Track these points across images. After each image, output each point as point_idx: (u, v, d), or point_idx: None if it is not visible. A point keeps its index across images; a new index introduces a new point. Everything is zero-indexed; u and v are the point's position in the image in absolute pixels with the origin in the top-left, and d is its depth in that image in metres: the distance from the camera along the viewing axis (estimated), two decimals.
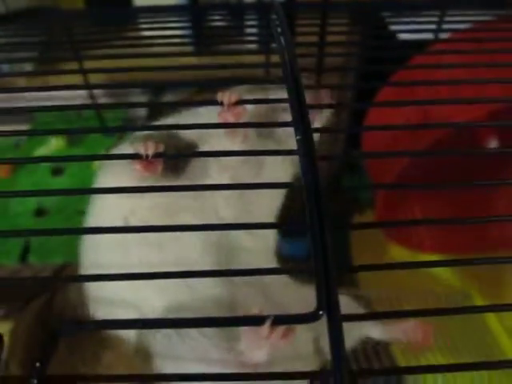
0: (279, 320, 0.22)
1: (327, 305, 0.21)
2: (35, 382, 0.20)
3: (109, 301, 0.40)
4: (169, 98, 0.85)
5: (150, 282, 0.27)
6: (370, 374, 0.21)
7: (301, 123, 0.27)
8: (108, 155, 0.37)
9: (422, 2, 0.65)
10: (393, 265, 0.23)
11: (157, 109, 0.85)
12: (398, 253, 0.73)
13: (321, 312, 0.21)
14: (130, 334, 0.41)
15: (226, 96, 0.34)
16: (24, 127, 0.75)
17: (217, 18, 0.61)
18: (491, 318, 0.71)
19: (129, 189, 0.28)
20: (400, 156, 0.57)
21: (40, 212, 0.67)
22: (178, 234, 0.36)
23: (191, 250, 0.39)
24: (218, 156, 0.39)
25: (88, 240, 0.42)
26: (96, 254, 0.41)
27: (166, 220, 0.39)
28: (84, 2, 0.86)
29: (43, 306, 0.58)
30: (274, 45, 0.40)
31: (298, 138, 0.27)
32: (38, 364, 0.20)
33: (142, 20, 0.69)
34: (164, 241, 0.38)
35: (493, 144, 0.74)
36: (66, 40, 0.62)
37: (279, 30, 0.40)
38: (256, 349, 0.30)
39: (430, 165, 0.74)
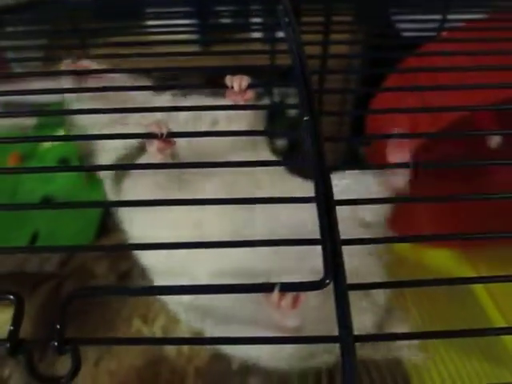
0: (286, 287, 0.23)
1: (333, 274, 0.22)
2: (55, 343, 0.21)
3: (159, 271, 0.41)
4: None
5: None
6: (373, 339, 0.21)
7: (308, 107, 0.28)
8: (125, 134, 0.36)
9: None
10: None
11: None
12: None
13: (327, 281, 0.22)
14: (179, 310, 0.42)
15: (237, 80, 0.35)
16: (30, 120, 0.76)
17: (223, 8, 0.61)
18: (493, 312, 0.72)
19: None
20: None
21: (47, 201, 0.68)
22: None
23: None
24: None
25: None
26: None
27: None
28: None
29: (52, 290, 0.60)
30: (280, 34, 0.41)
31: (305, 118, 0.28)
32: (57, 326, 0.21)
33: (148, 10, 0.70)
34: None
35: (496, 140, 0.74)
36: (72, 30, 0.63)
37: (286, 19, 0.41)
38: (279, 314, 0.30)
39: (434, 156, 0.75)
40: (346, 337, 0.21)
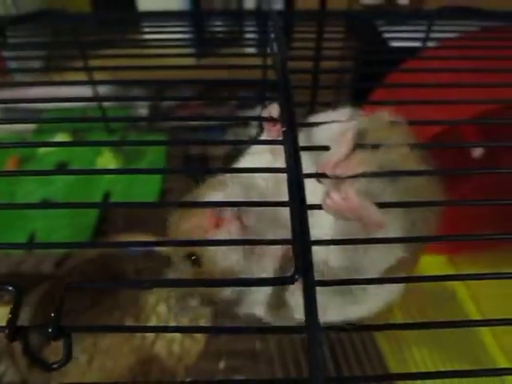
0: (258, 282, 0.25)
1: (303, 270, 0.25)
2: (50, 329, 0.23)
3: None
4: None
5: None
6: (340, 329, 0.24)
7: (287, 119, 0.30)
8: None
9: (412, 13, 0.69)
10: None
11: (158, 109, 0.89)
12: None
13: (297, 276, 0.24)
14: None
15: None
16: (30, 125, 0.78)
17: (217, 23, 0.64)
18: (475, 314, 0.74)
19: None
20: None
21: (46, 203, 0.70)
22: None
23: None
24: None
25: None
26: None
27: None
28: (91, 5, 0.90)
29: (47, 290, 0.62)
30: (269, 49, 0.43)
31: (283, 129, 0.30)
32: (53, 314, 0.23)
33: (145, 24, 0.73)
34: None
35: (478, 151, 0.77)
36: (72, 41, 0.66)
37: (273, 35, 0.43)
38: None
39: None
40: (313, 327, 0.23)
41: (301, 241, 0.26)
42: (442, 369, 0.67)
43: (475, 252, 0.77)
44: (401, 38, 0.69)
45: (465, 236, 0.32)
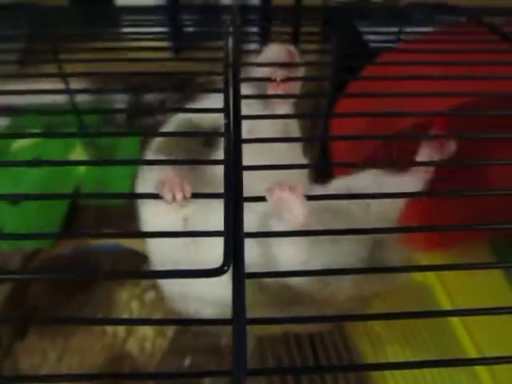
0: (187, 273, 0.25)
1: (233, 261, 0.24)
2: None
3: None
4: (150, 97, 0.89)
5: None
6: (265, 322, 0.23)
7: (227, 111, 0.30)
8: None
9: (385, 9, 0.69)
10: None
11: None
12: None
13: (225, 268, 0.24)
14: None
15: (279, 73, 0.39)
16: (3, 121, 0.77)
17: (187, 18, 0.64)
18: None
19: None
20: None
21: (15, 201, 0.70)
22: None
23: None
24: None
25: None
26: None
27: None
28: None
29: (16, 286, 0.61)
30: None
31: (225, 121, 0.30)
32: None
33: (122, 18, 0.72)
34: None
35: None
36: (45, 35, 0.65)
37: (231, 29, 0.43)
38: None
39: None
40: (238, 319, 0.23)
41: (233, 233, 0.26)
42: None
43: (450, 248, 0.77)
44: (375, 32, 0.69)
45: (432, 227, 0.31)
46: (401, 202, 0.45)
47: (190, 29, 0.65)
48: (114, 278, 0.53)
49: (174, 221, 0.42)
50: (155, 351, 0.64)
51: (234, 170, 0.28)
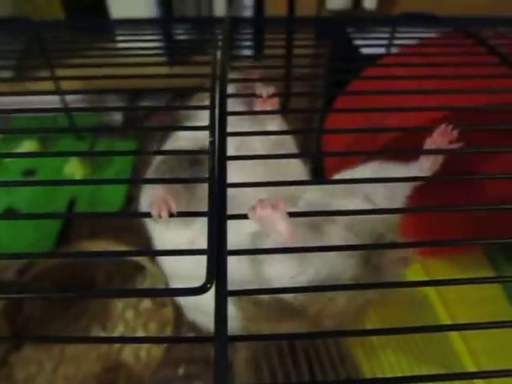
0: (170, 292, 0.25)
1: (216, 280, 0.25)
2: None
3: None
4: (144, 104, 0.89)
5: None
6: (247, 339, 0.24)
7: (212, 128, 0.31)
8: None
9: (376, 20, 0.70)
10: None
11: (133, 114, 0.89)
12: None
13: (209, 285, 0.25)
14: None
15: (264, 90, 0.40)
16: None
17: (180, 31, 0.65)
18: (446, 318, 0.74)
19: None
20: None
21: (10, 212, 0.70)
22: None
23: None
24: None
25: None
26: None
27: None
28: (63, 11, 0.90)
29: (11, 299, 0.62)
30: None
31: (210, 139, 0.31)
32: None
33: (117, 32, 0.73)
34: None
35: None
36: (38, 49, 0.66)
37: (220, 43, 0.44)
38: None
39: None
40: (219, 337, 0.24)
41: (218, 251, 0.26)
42: (411, 372, 0.67)
43: (446, 255, 0.77)
44: (368, 44, 0.70)
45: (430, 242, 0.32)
46: (407, 189, 0.45)
47: (183, 42, 0.65)
48: (103, 296, 0.53)
49: (180, 240, 0.41)
50: (150, 360, 0.65)
51: (219, 187, 0.29)
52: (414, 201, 0.74)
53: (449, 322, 0.74)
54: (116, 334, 0.69)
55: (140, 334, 0.67)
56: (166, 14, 0.84)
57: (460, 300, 0.75)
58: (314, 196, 0.41)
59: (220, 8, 0.83)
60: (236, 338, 0.24)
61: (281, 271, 0.33)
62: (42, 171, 0.75)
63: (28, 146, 0.75)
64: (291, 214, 0.29)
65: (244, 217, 0.29)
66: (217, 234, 0.27)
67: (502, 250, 0.81)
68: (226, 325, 0.24)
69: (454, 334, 0.71)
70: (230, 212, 0.28)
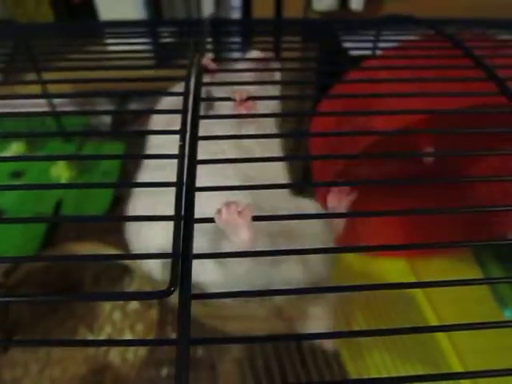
0: (135, 295, 0.26)
1: (180, 283, 0.25)
2: None
3: None
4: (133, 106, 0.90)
5: None
6: (208, 342, 0.24)
7: (183, 133, 0.31)
8: None
9: (362, 21, 0.70)
10: None
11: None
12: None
13: (172, 289, 0.25)
14: None
15: (239, 93, 0.40)
16: None
17: (166, 34, 0.65)
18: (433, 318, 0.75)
19: None
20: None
21: None
22: None
23: None
24: None
25: None
26: None
27: None
28: (53, 14, 0.91)
29: None
30: None
31: (180, 143, 0.31)
32: None
33: (106, 34, 0.73)
34: None
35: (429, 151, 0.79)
36: (24, 52, 0.66)
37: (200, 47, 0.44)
38: None
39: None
40: (182, 340, 0.24)
41: (182, 254, 0.26)
42: (396, 372, 0.68)
43: (434, 255, 0.78)
44: (354, 47, 0.70)
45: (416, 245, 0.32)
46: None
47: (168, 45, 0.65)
48: (86, 300, 0.54)
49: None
50: (137, 362, 0.65)
51: (187, 191, 0.29)
52: (406, 199, 0.75)
53: (436, 322, 0.74)
54: (103, 335, 0.69)
55: (127, 335, 0.68)
56: (154, 16, 0.85)
57: (447, 300, 0.75)
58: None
59: (209, 10, 0.84)
60: (197, 341, 0.24)
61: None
62: (30, 173, 0.75)
63: (16, 148, 0.75)
64: (255, 219, 0.30)
65: (211, 220, 0.29)
66: (183, 238, 0.27)
67: (489, 248, 0.82)
68: (189, 328, 0.24)
69: (440, 334, 0.71)
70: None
